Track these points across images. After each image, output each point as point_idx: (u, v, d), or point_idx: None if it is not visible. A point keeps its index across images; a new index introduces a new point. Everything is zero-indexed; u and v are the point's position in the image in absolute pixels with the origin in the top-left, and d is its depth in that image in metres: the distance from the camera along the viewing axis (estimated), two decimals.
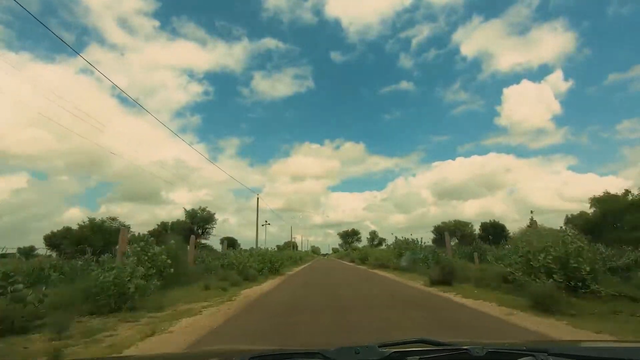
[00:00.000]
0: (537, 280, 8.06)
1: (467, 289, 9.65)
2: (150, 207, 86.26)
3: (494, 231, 57.15)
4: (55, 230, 31.82)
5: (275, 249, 35.87)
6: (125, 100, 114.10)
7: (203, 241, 32.66)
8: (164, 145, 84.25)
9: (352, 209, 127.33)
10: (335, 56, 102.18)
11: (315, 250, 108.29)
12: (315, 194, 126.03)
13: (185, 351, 4.14)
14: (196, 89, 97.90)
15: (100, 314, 7.11)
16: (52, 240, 30.52)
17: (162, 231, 35.54)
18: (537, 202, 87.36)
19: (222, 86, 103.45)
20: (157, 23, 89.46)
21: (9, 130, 61.49)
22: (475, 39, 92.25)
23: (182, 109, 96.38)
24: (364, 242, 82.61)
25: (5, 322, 5.31)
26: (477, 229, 61.98)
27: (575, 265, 7.87)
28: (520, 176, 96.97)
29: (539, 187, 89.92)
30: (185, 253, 16.22)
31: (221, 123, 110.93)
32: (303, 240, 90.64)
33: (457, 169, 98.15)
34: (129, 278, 7.59)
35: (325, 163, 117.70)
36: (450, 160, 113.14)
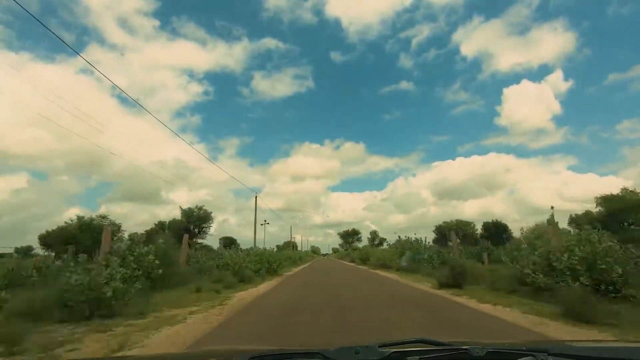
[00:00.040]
0: (562, 283, 7.29)
1: (480, 293, 8.85)
2: (150, 207, 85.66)
3: (496, 231, 56.34)
4: (50, 229, 30.96)
5: (275, 249, 35.26)
6: (125, 100, 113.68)
7: (200, 241, 31.96)
8: (164, 146, 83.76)
9: (352, 209, 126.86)
10: (335, 56, 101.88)
11: (315, 250, 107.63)
12: (315, 194, 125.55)
13: (185, 351, 4.13)
14: (196, 89, 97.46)
15: (72, 321, 6.32)
16: (47, 240, 29.75)
17: (160, 230, 34.76)
18: (537, 202, 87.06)
19: (222, 86, 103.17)
20: (157, 23, 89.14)
21: (9, 130, 60.93)
22: (476, 39, 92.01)
23: (182, 109, 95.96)
24: (364, 242, 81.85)
25: None
26: (479, 228, 61.28)
27: (604, 266, 7.09)
28: (520, 176, 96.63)
29: (539, 187, 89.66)
30: (178, 253, 15.44)
31: (221, 123, 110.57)
32: (303, 240, 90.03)
33: (457, 169, 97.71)
34: (105, 281, 6.78)
35: (325, 163, 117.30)
36: (450, 160, 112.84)
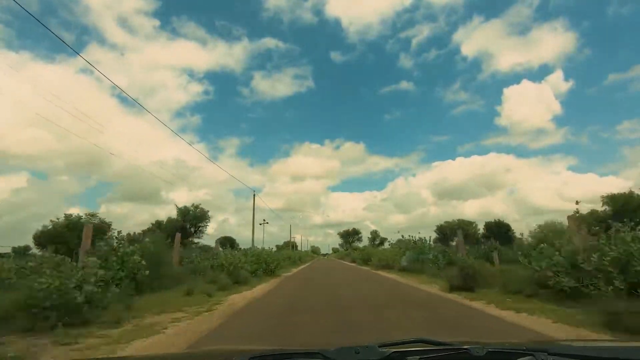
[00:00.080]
0: (591, 286, 6.49)
1: (496, 296, 8.06)
2: (150, 207, 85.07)
3: (498, 231, 55.52)
4: (43, 229, 30.13)
5: (274, 249, 34.40)
6: (125, 100, 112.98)
7: (197, 240, 31.14)
8: (164, 145, 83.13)
9: (352, 209, 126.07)
10: (335, 56, 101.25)
11: (315, 250, 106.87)
12: (315, 194, 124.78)
13: (185, 351, 4.09)
14: (196, 88, 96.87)
15: (38, 330, 5.53)
16: (41, 239, 28.95)
17: (157, 230, 33.98)
18: (537, 202, 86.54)
19: (222, 86, 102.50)
20: (157, 23, 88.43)
21: (9, 130, 60.28)
22: (476, 39, 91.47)
23: (182, 108, 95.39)
24: (364, 242, 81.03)
25: None
26: (480, 228, 60.43)
27: (639, 268, 6.28)
28: (520, 176, 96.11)
29: (539, 187, 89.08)
30: (170, 253, 14.66)
31: (221, 123, 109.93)
32: (303, 240, 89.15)
33: (457, 169, 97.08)
34: (76, 284, 5.98)
35: (325, 163, 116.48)
36: (450, 160, 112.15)
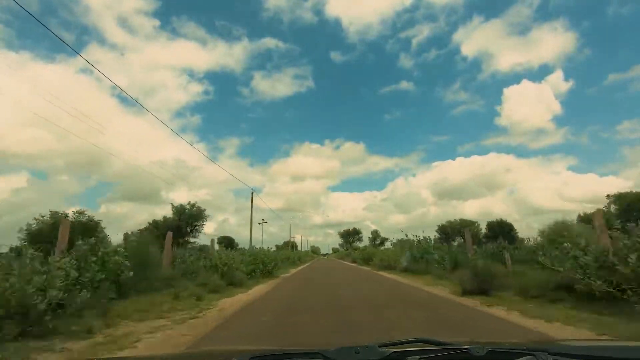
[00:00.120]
0: (630, 291, 5.69)
1: (515, 302, 7.27)
2: (151, 206, 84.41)
3: (500, 230, 54.73)
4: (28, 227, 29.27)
5: (272, 249, 33.50)
6: (125, 100, 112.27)
7: (193, 240, 30.25)
8: (164, 145, 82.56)
9: (352, 209, 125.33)
10: (336, 56, 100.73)
11: (315, 250, 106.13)
12: (315, 194, 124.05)
13: (185, 351, 4.01)
14: (196, 88, 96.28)
15: None
16: (26, 239, 28.08)
17: (154, 229, 33.16)
18: (537, 202, 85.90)
19: (222, 86, 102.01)
20: (157, 23, 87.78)
21: (9, 130, 59.62)
22: (476, 39, 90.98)
23: (182, 108, 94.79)
24: (365, 242, 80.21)
25: None
26: (482, 228, 59.61)
27: None
28: (520, 176, 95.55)
29: (539, 187, 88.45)
30: (161, 253, 13.86)
31: (221, 123, 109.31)
32: (303, 240, 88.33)
33: (457, 169, 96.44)
34: (36, 289, 5.17)
35: (325, 163, 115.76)
36: (450, 160, 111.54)
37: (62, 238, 8.18)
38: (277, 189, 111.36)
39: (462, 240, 47.29)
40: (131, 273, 8.91)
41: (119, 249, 8.85)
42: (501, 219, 58.33)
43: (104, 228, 23.91)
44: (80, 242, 8.19)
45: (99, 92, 72.60)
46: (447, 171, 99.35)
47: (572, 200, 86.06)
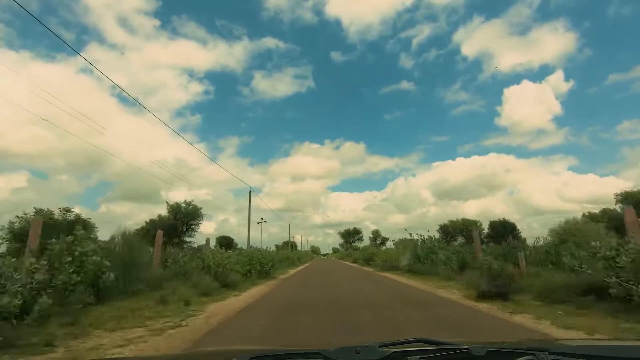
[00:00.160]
0: None
1: (539, 308, 6.47)
2: (151, 206, 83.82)
3: (503, 230, 53.89)
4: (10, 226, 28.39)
5: (270, 249, 32.66)
6: (125, 99, 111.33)
7: (188, 239, 29.37)
8: (164, 145, 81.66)
9: (352, 209, 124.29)
10: (336, 56, 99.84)
11: (315, 250, 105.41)
12: (315, 194, 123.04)
13: (185, 351, 4.00)
14: (196, 88, 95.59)
15: None
16: (18, 237, 27.23)
17: (150, 229, 32.29)
18: (538, 202, 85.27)
19: (223, 86, 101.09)
20: (157, 22, 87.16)
21: (9, 129, 59.05)
22: (476, 39, 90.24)
23: (182, 108, 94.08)
24: (365, 242, 79.39)
25: None
26: (485, 228, 58.73)
27: None
28: (520, 176, 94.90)
29: (539, 188, 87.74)
30: (150, 252, 13.07)
31: (221, 123, 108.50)
32: (303, 240, 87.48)
33: (457, 169, 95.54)
34: None
35: (325, 163, 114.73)
36: (450, 161, 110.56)
37: (33, 237, 7.41)
38: (277, 188, 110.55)
39: (464, 240, 46.50)
40: (112, 275, 8.14)
41: (98, 248, 8.03)
42: (504, 219, 57.46)
43: (96, 227, 23.17)
44: (54, 240, 7.40)
45: (99, 91, 71.97)
46: (447, 171, 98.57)
47: (573, 200, 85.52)
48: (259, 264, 14.71)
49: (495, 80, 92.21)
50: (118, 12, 77.88)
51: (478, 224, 57.88)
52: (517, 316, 5.80)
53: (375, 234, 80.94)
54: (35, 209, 17.39)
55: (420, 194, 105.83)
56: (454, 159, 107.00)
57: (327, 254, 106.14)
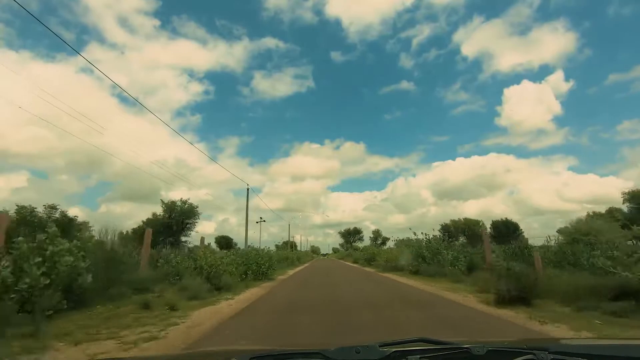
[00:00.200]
0: None
1: (568, 315, 5.69)
2: (151, 206, 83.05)
3: (506, 230, 53.13)
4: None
5: (273, 249, 31.82)
6: (125, 99, 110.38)
7: (184, 239, 28.50)
8: (164, 145, 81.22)
9: (352, 209, 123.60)
10: (336, 56, 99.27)
11: (315, 250, 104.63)
12: (315, 194, 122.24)
13: (185, 351, 4.01)
14: (196, 88, 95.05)
15: None
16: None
17: (147, 228, 31.43)
18: (538, 202, 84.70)
19: (223, 86, 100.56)
20: (157, 22, 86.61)
21: (9, 129, 58.51)
22: (476, 39, 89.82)
23: (182, 108, 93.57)
24: (366, 242, 78.60)
25: None
26: (487, 227, 57.94)
27: None
28: (520, 176, 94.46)
29: (539, 188, 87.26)
30: (137, 252, 12.28)
31: (221, 123, 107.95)
32: (302, 239, 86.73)
33: (457, 169, 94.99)
34: None
35: (325, 163, 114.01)
36: (450, 161, 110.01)
37: None
38: (277, 188, 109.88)
39: (466, 239, 45.64)
40: (90, 277, 7.33)
41: (73, 247, 7.22)
42: (506, 219, 56.77)
43: (91, 227, 22.36)
44: (20, 238, 6.59)
45: (100, 91, 71.40)
46: (447, 171, 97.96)
47: (573, 200, 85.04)
48: (255, 265, 13.89)
49: (495, 80, 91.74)
50: (118, 12, 77.44)
51: (481, 223, 57.02)
52: (548, 326, 4.99)
53: (376, 233, 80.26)
54: (18, 205, 16.52)
55: (420, 194, 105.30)
56: (454, 159, 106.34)
57: (327, 254, 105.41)
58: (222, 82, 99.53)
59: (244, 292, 10.49)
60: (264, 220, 43.35)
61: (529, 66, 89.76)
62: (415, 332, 4.92)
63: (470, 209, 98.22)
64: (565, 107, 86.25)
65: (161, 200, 28.30)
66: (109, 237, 9.26)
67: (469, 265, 13.98)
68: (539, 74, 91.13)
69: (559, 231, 16.93)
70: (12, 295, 6.00)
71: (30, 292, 6.12)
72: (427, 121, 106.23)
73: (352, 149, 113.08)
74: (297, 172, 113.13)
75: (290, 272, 22.21)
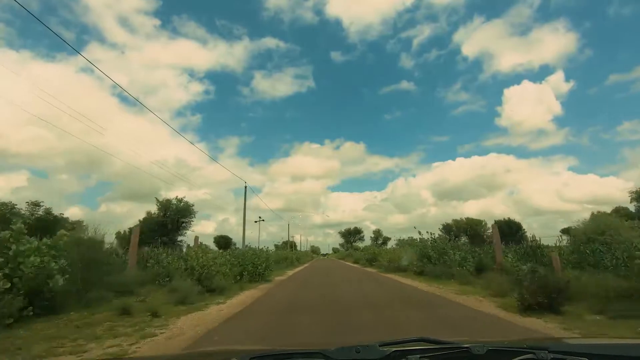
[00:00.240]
0: None
1: (612, 326, 4.86)
2: (150, 205, 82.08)
3: (509, 230, 52.35)
4: None
5: (273, 249, 31.01)
6: (125, 99, 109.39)
7: (180, 238, 27.68)
8: (164, 145, 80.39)
9: (352, 209, 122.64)
10: (336, 56, 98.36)
11: (314, 250, 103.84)
12: (315, 194, 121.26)
13: (185, 351, 3.95)
14: (196, 88, 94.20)
15: None
16: None
17: (143, 227, 30.66)
18: (538, 202, 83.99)
19: (223, 85, 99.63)
20: (157, 22, 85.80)
21: (9, 129, 57.91)
22: (477, 39, 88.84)
23: (182, 108, 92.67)
24: (366, 242, 77.82)
25: None
26: (489, 227, 57.18)
27: None
28: (520, 177, 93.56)
29: (539, 188, 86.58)
30: (123, 252, 11.56)
31: (221, 123, 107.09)
32: (302, 239, 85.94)
33: (458, 170, 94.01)
34: None
35: (325, 163, 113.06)
36: (450, 161, 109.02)
37: None
38: (277, 188, 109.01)
39: (468, 239, 44.94)
40: (61, 280, 6.54)
41: (42, 246, 6.43)
42: (509, 218, 55.94)
43: (85, 226, 21.53)
44: None
45: (100, 91, 70.73)
46: (447, 172, 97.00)
47: (573, 200, 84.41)
48: (251, 265, 13.11)
49: (495, 80, 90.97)
50: (118, 11, 76.70)
51: (483, 222, 56.21)
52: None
53: (377, 233, 79.41)
54: None
55: (420, 194, 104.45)
56: (454, 159, 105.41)
57: (327, 254, 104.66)
58: (222, 82, 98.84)
59: (238, 295, 9.71)
60: (263, 220, 42.56)
61: (530, 66, 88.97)
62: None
63: (470, 209, 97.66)
64: (566, 108, 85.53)
65: (156, 198, 27.50)
66: (89, 236, 8.44)
67: (477, 265, 13.22)
68: (540, 74, 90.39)
69: (563, 231, 16.11)
70: None
71: None
72: (427, 121, 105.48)
73: (352, 149, 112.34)
74: (297, 172, 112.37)
75: (290, 272, 21.41)
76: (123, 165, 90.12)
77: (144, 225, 27.33)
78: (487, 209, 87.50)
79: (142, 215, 28.27)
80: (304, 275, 19.62)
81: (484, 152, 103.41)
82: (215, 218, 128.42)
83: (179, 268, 10.75)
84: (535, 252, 12.62)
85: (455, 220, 59.00)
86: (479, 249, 14.53)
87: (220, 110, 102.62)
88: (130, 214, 79.27)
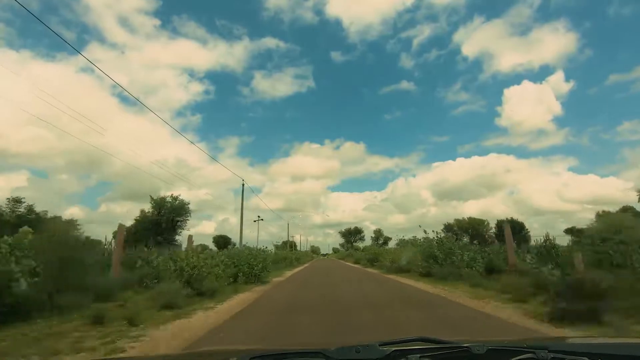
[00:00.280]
0: None
1: None
2: (149, 205, 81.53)
3: (512, 230, 51.62)
4: None
5: (272, 249, 30.25)
6: (125, 99, 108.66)
7: (177, 237, 26.85)
8: (164, 145, 79.85)
9: (352, 209, 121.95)
10: (336, 56, 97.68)
11: (314, 250, 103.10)
12: (315, 194, 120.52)
13: (185, 351, 3.95)
14: (197, 88, 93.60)
15: None
16: None
17: (139, 227, 29.94)
18: (538, 202, 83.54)
19: (223, 85, 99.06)
20: (157, 22, 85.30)
21: (9, 129, 57.37)
22: (477, 39, 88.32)
23: (182, 108, 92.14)
24: (367, 242, 77.08)
25: None
26: (492, 227, 56.42)
27: None
28: (520, 177, 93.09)
29: (539, 188, 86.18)
30: (106, 251, 10.79)
31: (221, 122, 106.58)
32: (302, 239, 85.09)
33: (458, 170, 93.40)
34: None
35: (325, 163, 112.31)
36: (450, 161, 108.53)
37: None
38: (277, 188, 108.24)
39: (470, 239, 43.97)
40: (25, 283, 5.74)
41: (2, 244, 5.63)
42: (512, 218, 55.19)
43: (79, 226, 20.72)
44: None
45: (100, 91, 70.18)
46: (447, 172, 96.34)
47: (573, 201, 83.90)
48: (247, 266, 12.30)
49: (495, 80, 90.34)
50: (118, 11, 76.14)
51: (485, 222, 55.45)
52: None
53: (378, 233, 78.73)
54: None
55: (420, 194, 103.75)
56: (454, 159, 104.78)
57: (327, 254, 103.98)
58: (222, 82, 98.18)
59: (230, 299, 8.91)
60: (262, 219, 41.74)
61: (530, 66, 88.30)
62: None
63: (470, 209, 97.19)
64: (566, 108, 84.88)
65: (150, 196, 26.59)
66: (63, 234, 7.64)
67: (487, 266, 12.44)
68: (540, 74, 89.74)
69: (567, 230, 15.31)
70: None
71: None
72: (427, 121, 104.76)
73: (352, 149, 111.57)
74: (297, 172, 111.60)
75: (288, 273, 20.60)
76: (123, 165, 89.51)
77: (138, 224, 26.50)
78: (487, 209, 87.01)
79: (138, 215, 27.48)
80: (303, 275, 18.84)
81: (484, 152, 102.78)
82: (216, 218, 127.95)
83: (168, 269, 9.95)
84: (550, 252, 11.82)
85: (457, 220, 58.27)
86: (488, 249, 13.73)
87: (220, 110, 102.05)
88: (130, 214, 78.79)
